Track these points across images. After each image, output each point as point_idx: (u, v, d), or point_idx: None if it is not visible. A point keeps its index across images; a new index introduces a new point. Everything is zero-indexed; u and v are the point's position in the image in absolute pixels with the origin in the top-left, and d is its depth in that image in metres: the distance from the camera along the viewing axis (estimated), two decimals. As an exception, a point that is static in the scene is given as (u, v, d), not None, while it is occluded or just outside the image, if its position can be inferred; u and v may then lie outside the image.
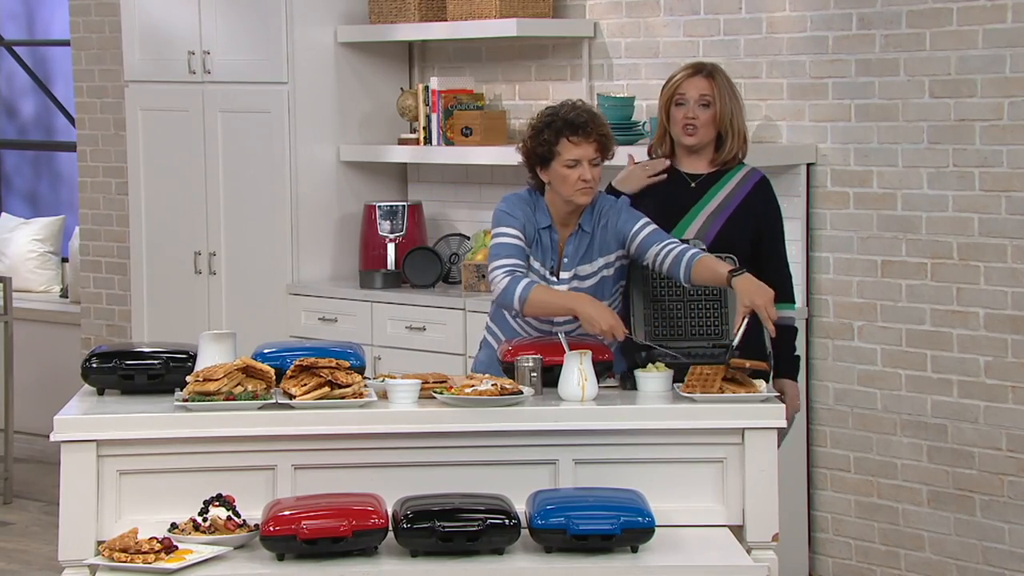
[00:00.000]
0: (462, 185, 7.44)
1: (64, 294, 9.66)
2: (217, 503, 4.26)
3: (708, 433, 4.46)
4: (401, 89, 7.46)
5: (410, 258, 7.08)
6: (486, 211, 6.92)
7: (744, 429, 4.44)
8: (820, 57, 6.31)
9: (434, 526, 4.13)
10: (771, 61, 6.44)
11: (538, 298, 4.78)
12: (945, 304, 6.06)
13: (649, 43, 6.80)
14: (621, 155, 5.68)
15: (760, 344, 5.08)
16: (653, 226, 4.92)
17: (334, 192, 7.40)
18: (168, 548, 4.13)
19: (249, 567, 4.14)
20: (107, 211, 8.81)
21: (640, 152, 5.44)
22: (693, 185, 5.20)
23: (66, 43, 9.20)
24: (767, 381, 4.81)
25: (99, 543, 4.26)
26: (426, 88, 7.20)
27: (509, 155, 6.77)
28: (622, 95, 6.72)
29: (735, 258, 4.93)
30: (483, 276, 6.74)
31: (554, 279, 4.93)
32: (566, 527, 4.16)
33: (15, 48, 10.45)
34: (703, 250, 4.88)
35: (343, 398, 4.43)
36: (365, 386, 4.51)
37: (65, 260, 9.79)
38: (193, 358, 4.64)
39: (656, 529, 4.21)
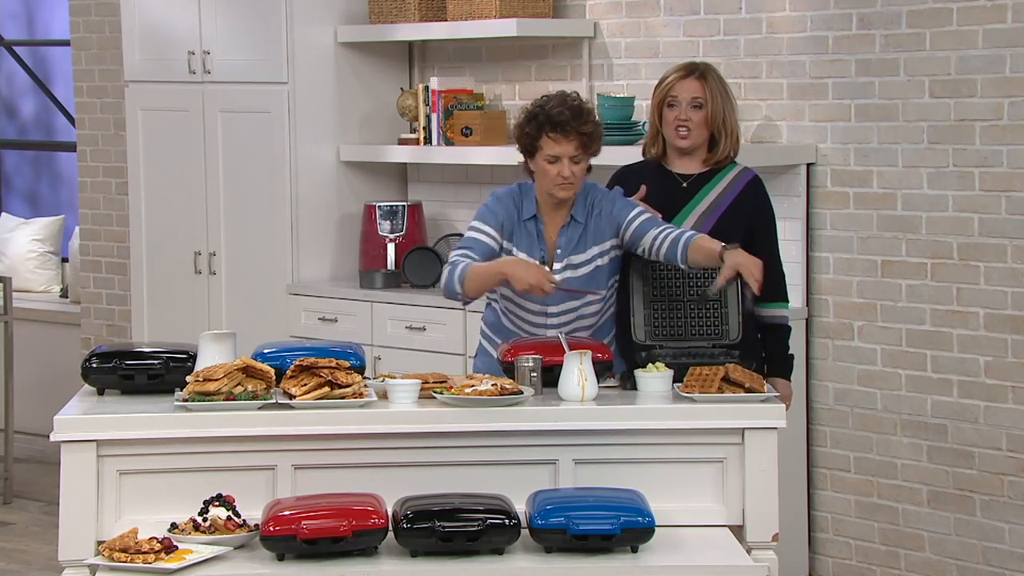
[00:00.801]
0: (462, 185, 7.44)
1: (64, 294, 9.67)
2: (217, 503, 4.26)
3: (708, 433, 4.46)
4: (401, 89, 7.46)
5: (410, 258, 7.08)
6: (486, 211, 6.91)
7: (744, 429, 4.44)
8: (820, 57, 6.31)
9: (434, 526, 4.13)
10: (771, 61, 6.44)
11: (473, 274, 4.81)
12: (945, 304, 6.06)
13: (649, 43, 6.80)
14: (622, 155, 5.69)
15: (754, 344, 5.10)
16: (648, 214, 4.93)
17: (334, 192, 7.40)
18: (168, 548, 4.13)
19: (249, 567, 4.14)
20: (107, 211, 8.81)
21: (636, 153, 5.43)
22: (685, 185, 5.19)
23: (66, 43, 9.20)
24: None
25: (99, 543, 4.26)
26: (426, 88, 7.20)
27: (509, 155, 6.78)
28: (622, 95, 6.72)
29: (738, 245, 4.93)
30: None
31: (546, 269, 4.94)
32: (566, 527, 4.16)
33: (15, 48, 10.45)
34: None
35: (343, 398, 4.43)
36: (365, 386, 4.51)
37: (65, 260, 9.79)
38: (193, 358, 4.64)
39: (656, 529, 4.21)
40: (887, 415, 6.23)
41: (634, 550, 4.21)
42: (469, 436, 4.43)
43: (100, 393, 4.66)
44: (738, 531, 4.44)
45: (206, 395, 4.40)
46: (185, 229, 7.60)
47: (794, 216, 6.31)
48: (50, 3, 10.35)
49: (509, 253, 4.95)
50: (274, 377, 4.51)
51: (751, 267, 4.65)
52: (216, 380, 4.41)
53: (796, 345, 5.33)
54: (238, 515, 4.26)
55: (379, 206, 7.21)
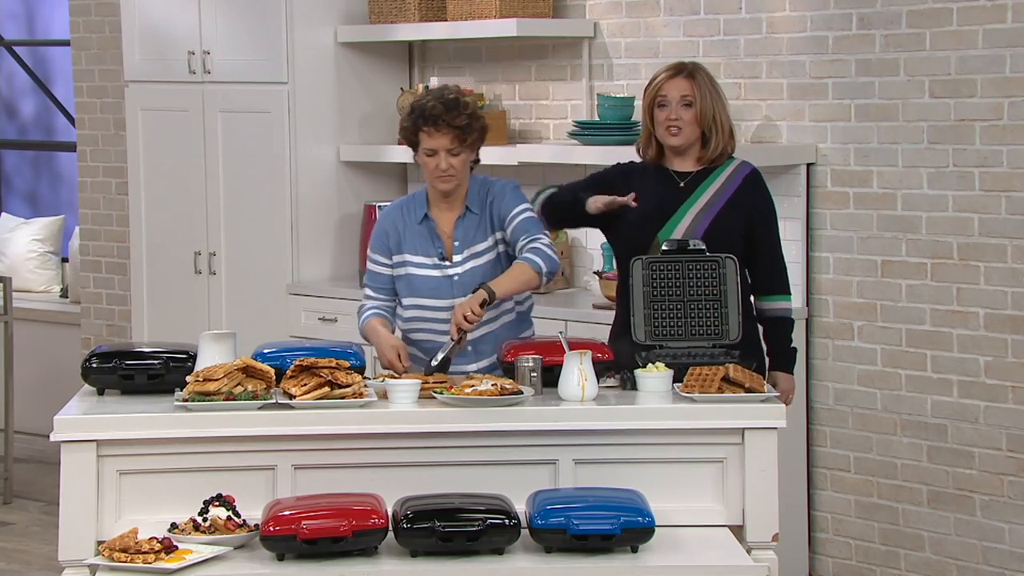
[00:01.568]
0: (462, 185, 7.43)
1: (64, 294, 9.66)
2: (217, 503, 4.26)
3: (708, 433, 4.46)
4: (401, 89, 7.46)
5: (410, 258, 7.08)
6: (486, 211, 6.91)
7: (744, 429, 4.44)
8: (820, 57, 6.31)
9: (434, 526, 4.13)
10: (771, 61, 6.44)
11: (370, 333, 5.05)
12: (945, 304, 6.06)
13: (649, 43, 6.80)
14: (622, 156, 5.69)
15: (754, 343, 5.09)
16: (530, 214, 5.02)
17: (334, 192, 7.40)
18: (168, 548, 4.13)
19: (249, 567, 4.14)
20: (107, 211, 8.81)
21: (635, 153, 5.43)
22: (682, 184, 5.19)
23: (66, 43, 9.20)
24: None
25: (99, 543, 4.26)
26: (426, 88, 7.19)
27: (509, 155, 6.79)
28: (622, 95, 6.72)
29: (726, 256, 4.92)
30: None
31: (447, 263, 5.01)
32: (566, 527, 4.16)
33: (15, 48, 10.45)
34: (701, 249, 4.90)
35: (343, 398, 4.43)
36: (365, 386, 4.51)
37: (65, 260, 9.79)
38: (193, 358, 4.64)
39: (656, 529, 4.21)
40: (887, 415, 6.23)
41: (634, 550, 4.21)
42: (469, 436, 4.44)
43: (100, 393, 4.66)
44: (738, 531, 4.44)
45: (206, 395, 4.40)
46: (185, 229, 7.60)
47: (794, 216, 6.31)
48: (50, 3, 10.34)
49: (403, 266, 5.06)
50: (274, 377, 4.51)
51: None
52: (216, 380, 4.41)
53: (796, 345, 5.32)
54: (238, 515, 4.26)
55: (379, 206, 7.21)
